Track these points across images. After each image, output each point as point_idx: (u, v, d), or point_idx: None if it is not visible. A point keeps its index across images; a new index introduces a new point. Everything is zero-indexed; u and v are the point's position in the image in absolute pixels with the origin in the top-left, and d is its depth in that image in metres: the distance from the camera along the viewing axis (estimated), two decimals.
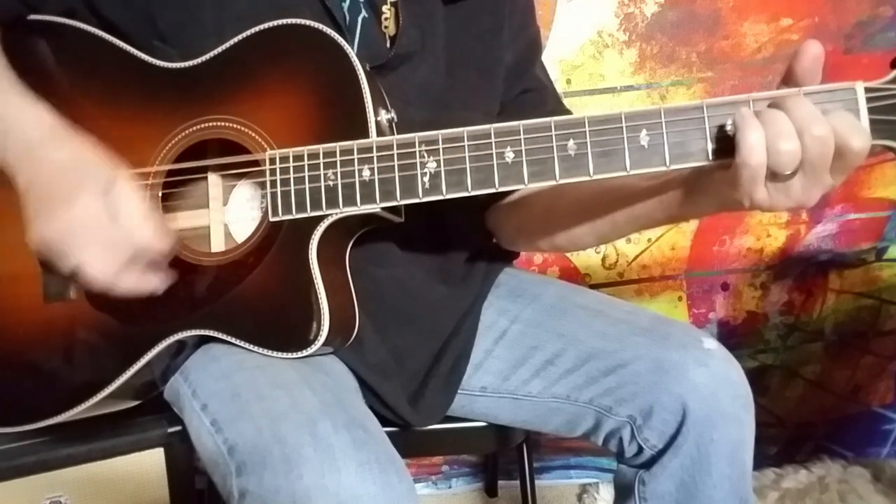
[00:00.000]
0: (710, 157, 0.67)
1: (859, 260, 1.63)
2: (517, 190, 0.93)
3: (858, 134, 0.62)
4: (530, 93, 1.00)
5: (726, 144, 0.66)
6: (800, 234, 1.60)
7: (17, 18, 0.86)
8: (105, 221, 0.74)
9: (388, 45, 0.89)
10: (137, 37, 0.86)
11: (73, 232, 0.73)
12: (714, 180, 0.69)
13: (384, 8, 0.88)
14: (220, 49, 0.82)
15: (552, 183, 0.71)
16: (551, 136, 0.71)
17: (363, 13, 0.87)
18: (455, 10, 0.92)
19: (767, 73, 1.48)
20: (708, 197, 0.71)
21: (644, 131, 0.69)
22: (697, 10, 1.48)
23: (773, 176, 0.63)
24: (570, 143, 0.70)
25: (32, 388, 0.84)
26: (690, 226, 1.58)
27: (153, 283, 0.79)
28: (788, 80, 0.67)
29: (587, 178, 0.70)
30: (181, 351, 0.84)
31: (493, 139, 0.72)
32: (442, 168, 0.74)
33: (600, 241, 0.91)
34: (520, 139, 0.72)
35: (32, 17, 0.87)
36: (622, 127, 0.69)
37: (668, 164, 0.68)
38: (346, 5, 0.86)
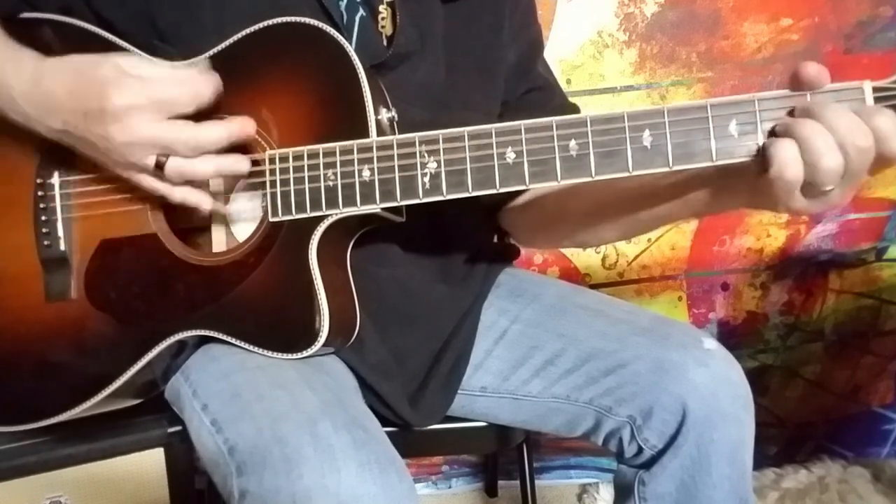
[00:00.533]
0: (715, 157, 0.67)
1: (859, 260, 1.63)
2: (526, 190, 0.93)
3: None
4: (535, 91, 1.00)
5: (735, 146, 0.66)
6: (800, 234, 1.60)
7: (13, 14, 0.86)
8: (145, 91, 0.73)
9: (385, 44, 0.89)
10: (136, 36, 0.85)
11: (127, 132, 0.73)
12: (746, 182, 0.68)
13: (380, 7, 0.88)
14: (219, 48, 0.82)
15: (553, 184, 0.71)
16: (553, 135, 0.70)
17: (360, 12, 0.87)
18: (454, 8, 0.92)
19: (767, 73, 1.47)
20: (738, 198, 0.71)
21: (647, 131, 0.68)
22: (697, 10, 1.48)
23: (811, 186, 0.62)
24: (572, 143, 0.70)
25: (33, 387, 0.84)
26: (690, 226, 1.58)
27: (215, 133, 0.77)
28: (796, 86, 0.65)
29: (588, 179, 0.70)
30: (182, 351, 0.84)
31: (493, 139, 0.72)
32: (442, 168, 0.74)
33: (624, 237, 0.91)
34: (521, 139, 0.71)
35: (30, 14, 0.86)
36: (625, 127, 0.69)
37: (671, 164, 0.68)
38: (343, 4, 0.86)
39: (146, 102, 0.73)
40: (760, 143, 0.65)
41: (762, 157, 0.64)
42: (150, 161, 0.75)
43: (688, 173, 0.71)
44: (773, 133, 0.65)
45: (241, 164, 0.79)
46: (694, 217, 0.80)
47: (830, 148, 0.61)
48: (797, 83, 0.65)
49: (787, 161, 0.61)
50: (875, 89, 0.65)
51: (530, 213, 0.96)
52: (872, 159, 0.62)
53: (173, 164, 0.75)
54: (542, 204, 0.94)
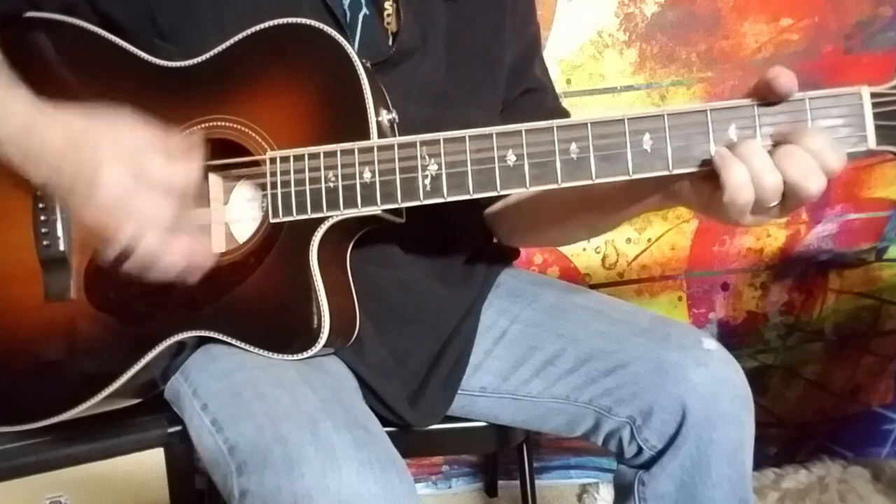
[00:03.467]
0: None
1: (859, 260, 1.63)
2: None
3: (836, 152, 0.64)
4: (531, 93, 1.01)
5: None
6: (800, 234, 1.60)
7: (15, 13, 0.86)
8: (134, 183, 0.71)
9: (389, 41, 0.89)
10: (137, 35, 0.86)
11: (114, 207, 0.71)
12: (696, 194, 0.71)
13: (386, 4, 0.88)
14: (220, 48, 0.82)
15: (554, 186, 0.71)
16: (553, 138, 0.71)
17: (364, 10, 0.87)
18: (456, 5, 0.92)
19: None
20: (688, 203, 0.74)
21: (647, 135, 0.68)
22: (697, 10, 1.48)
23: (759, 205, 0.65)
24: (573, 146, 0.70)
25: (33, 387, 0.84)
26: (690, 226, 1.58)
27: (200, 245, 0.76)
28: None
29: (589, 182, 0.70)
30: (181, 351, 0.84)
31: (494, 141, 0.72)
32: (443, 170, 0.74)
33: (591, 235, 0.95)
34: (521, 142, 0.72)
35: (32, 14, 0.86)
36: (625, 130, 0.69)
37: (671, 168, 0.68)
38: (346, 2, 0.86)
39: (139, 180, 0.71)
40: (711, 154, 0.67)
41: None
42: (124, 239, 0.72)
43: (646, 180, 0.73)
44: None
45: (208, 249, 0.79)
46: (656, 210, 0.84)
47: (770, 167, 0.64)
48: (772, 92, 0.66)
49: (739, 184, 0.64)
50: (873, 95, 0.65)
51: (509, 211, 0.98)
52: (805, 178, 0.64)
53: (145, 248, 0.72)
54: (518, 203, 0.96)
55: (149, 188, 0.71)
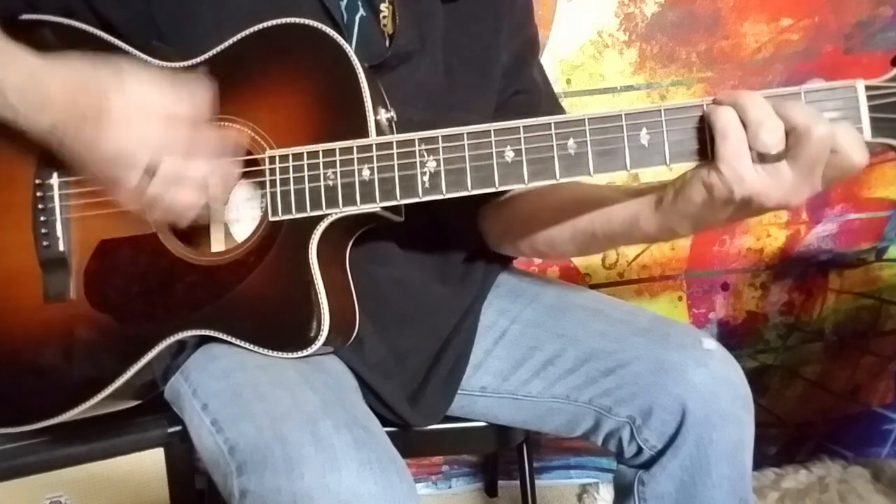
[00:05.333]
0: (711, 155, 0.67)
1: (859, 260, 1.63)
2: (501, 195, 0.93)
3: (861, 148, 0.63)
4: (521, 94, 1.00)
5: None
6: (800, 234, 1.60)
7: (13, 14, 0.86)
8: (142, 109, 0.72)
9: (386, 43, 0.89)
10: (136, 36, 0.85)
11: (127, 136, 0.71)
12: (694, 191, 0.69)
13: (382, 6, 0.88)
14: (219, 48, 0.82)
15: (552, 182, 0.71)
16: (551, 134, 0.71)
17: (361, 11, 0.87)
18: (454, 9, 0.92)
19: (767, 73, 1.47)
20: (688, 217, 0.72)
21: (644, 130, 0.69)
22: (697, 10, 1.48)
23: (761, 157, 0.64)
24: (570, 141, 0.71)
25: (32, 388, 0.84)
26: None
27: (222, 165, 0.77)
28: None
29: (587, 177, 0.70)
30: (181, 351, 0.84)
31: (492, 138, 0.72)
32: (442, 167, 0.74)
33: (581, 252, 0.91)
34: (520, 138, 0.72)
35: (30, 16, 0.86)
36: (622, 126, 0.69)
37: (668, 162, 0.69)
38: (343, 4, 0.86)
39: (148, 109, 0.72)
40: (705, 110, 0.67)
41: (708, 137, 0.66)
42: (142, 164, 0.72)
43: (644, 195, 0.73)
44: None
45: (232, 168, 0.78)
46: (647, 241, 0.81)
47: (767, 113, 0.63)
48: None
49: (728, 123, 0.64)
50: (868, 88, 0.65)
51: (504, 215, 0.95)
52: (827, 151, 0.63)
53: (167, 167, 0.73)
54: (514, 207, 0.94)
55: (157, 116, 0.72)
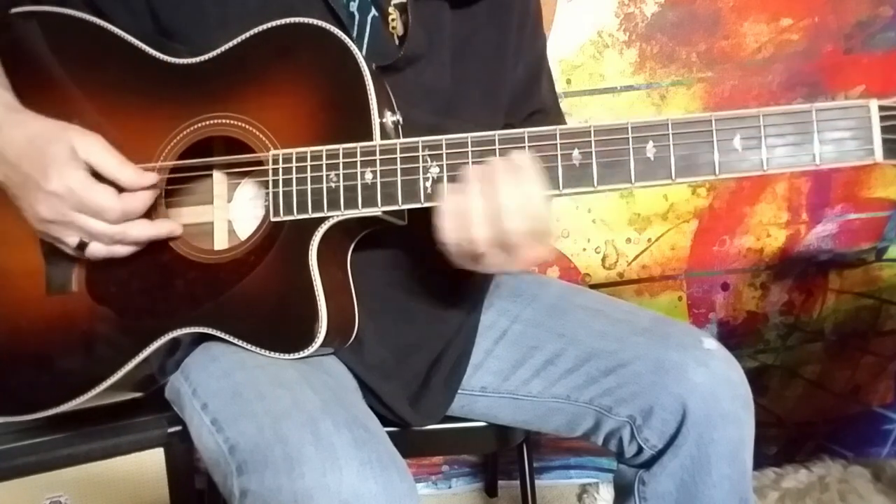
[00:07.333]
0: (718, 171, 0.67)
1: (859, 260, 1.63)
2: None
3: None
4: (538, 114, 1.01)
5: (738, 160, 0.66)
6: (800, 234, 1.60)
7: (7, 6, 0.86)
8: (86, 185, 0.76)
9: (397, 44, 0.88)
10: (139, 34, 0.85)
11: (62, 208, 0.76)
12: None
13: (390, 8, 0.88)
14: (226, 46, 0.82)
15: (555, 192, 0.71)
16: (556, 144, 0.71)
17: (373, 12, 0.87)
18: (462, 16, 0.91)
19: (767, 73, 1.47)
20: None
21: (651, 143, 0.68)
22: (697, 10, 1.48)
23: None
24: (575, 152, 0.70)
25: (34, 378, 0.85)
26: (690, 226, 1.58)
27: (161, 227, 0.81)
28: None
29: (591, 189, 0.70)
30: (181, 347, 0.84)
31: (496, 146, 0.72)
32: (445, 173, 0.74)
33: None
34: (524, 147, 0.72)
35: (35, 7, 0.86)
36: (628, 138, 0.69)
37: (673, 177, 0.68)
38: (354, 4, 0.86)
39: (75, 200, 0.76)
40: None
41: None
42: (72, 242, 0.79)
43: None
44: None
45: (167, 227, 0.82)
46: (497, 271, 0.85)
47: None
48: None
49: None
50: (881, 108, 0.64)
51: None
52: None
53: (94, 249, 0.79)
54: None
55: (95, 183, 0.77)
